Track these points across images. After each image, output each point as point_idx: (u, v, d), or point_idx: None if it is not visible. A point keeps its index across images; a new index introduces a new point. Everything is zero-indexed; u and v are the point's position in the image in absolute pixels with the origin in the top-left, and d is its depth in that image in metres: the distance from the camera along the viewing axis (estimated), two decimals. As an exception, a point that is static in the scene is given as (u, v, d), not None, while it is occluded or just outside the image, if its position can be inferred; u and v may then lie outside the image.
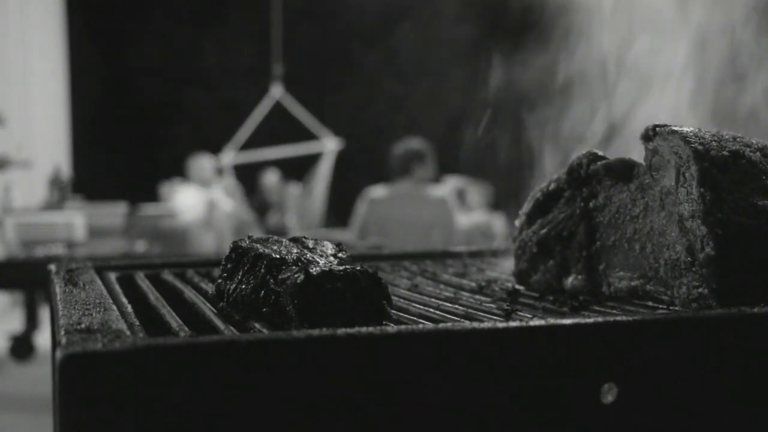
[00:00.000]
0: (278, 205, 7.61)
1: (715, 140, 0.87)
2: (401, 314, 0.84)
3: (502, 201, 6.63)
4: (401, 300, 0.94)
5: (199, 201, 5.43)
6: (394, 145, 5.01)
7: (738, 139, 0.89)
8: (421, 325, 0.72)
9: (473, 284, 1.06)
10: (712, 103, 1.20)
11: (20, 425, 3.66)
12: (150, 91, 8.81)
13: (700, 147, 0.85)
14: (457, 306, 0.91)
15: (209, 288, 0.95)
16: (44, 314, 4.86)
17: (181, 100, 8.89)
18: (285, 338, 0.64)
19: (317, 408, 0.63)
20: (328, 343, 0.64)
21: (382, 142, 5.98)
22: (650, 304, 0.91)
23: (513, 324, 0.69)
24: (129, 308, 0.83)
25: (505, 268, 1.22)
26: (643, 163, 0.94)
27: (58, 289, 0.91)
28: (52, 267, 1.07)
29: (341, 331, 0.65)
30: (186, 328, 0.75)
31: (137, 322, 0.76)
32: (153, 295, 0.94)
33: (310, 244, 0.88)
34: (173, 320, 0.79)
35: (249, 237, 0.89)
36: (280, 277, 0.78)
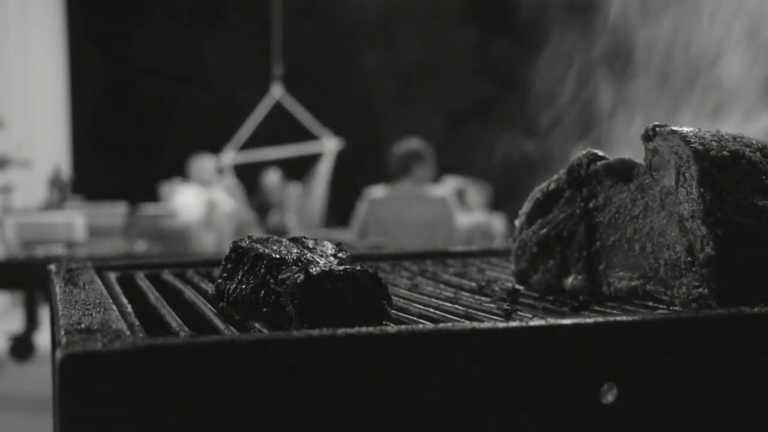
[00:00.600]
0: (278, 205, 7.61)
1: (715, 140, 0.87)
2: (401, 314, 0.84)
3: (502, 201, 6.63)
4: (401, 300, 0.94)
5: (200, 201, 5.44)
6: (394, 145, 5.01)
7: (738, 139, 0.89)
8: (421, 325, 0.72)
9: (473, 284, 1.06)
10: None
11: (20, 425, 3.66)
12: (150, 91, 8.81)
13: (700, 147, 0.86)
14: (457, 306, 0.91)
15: (209, 288, 0.95)
16: (44, 314, 4.86)
17: (181, 100, 8.89)
18: (285, 338, 0.64)
19: (317, 408, 0.63)
20: (328, 343, 0.64)
21: (382, 142, 5.98)
22: (650, 304, 0.91)
23: (513, 324, 0.69)
24: (129, 308, 0.83)
25: (505, 268, 1.22)
26: (643, 163, 0.94)
27: (58, 289, 0.91)
28: (52, 267, 1.07)
29: (341, 331, 0.65)
30: (186, 328, 0.76)
31: (137, 322, 0.76)
32: (153, 295, 0.94)
33: (310, 244, 0.88)
34: (173, 320, 0.79)
35: (249, 237, 0.89)
36: (280, 277, 0.78)
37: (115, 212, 4.67)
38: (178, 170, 6.89)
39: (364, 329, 0.66)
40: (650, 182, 0.92)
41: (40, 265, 3.47)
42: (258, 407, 0.62)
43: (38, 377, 4.19)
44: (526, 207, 1.06)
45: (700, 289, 0.84)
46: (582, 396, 0.69)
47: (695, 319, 0.75)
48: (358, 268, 0.76)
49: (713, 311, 0.80)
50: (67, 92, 8.47)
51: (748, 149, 0.87)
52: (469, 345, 0.67)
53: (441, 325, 0.69)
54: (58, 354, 0.59)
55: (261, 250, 0.83)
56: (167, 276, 1.11)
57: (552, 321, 0.70)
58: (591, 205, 0.99)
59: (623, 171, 0.96)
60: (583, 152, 1.01)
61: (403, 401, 0.65)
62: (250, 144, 7.71)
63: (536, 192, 1.06)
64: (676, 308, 0.87)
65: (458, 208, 5.18)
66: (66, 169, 7.07)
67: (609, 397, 0.70)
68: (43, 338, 4.87)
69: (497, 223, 6.15)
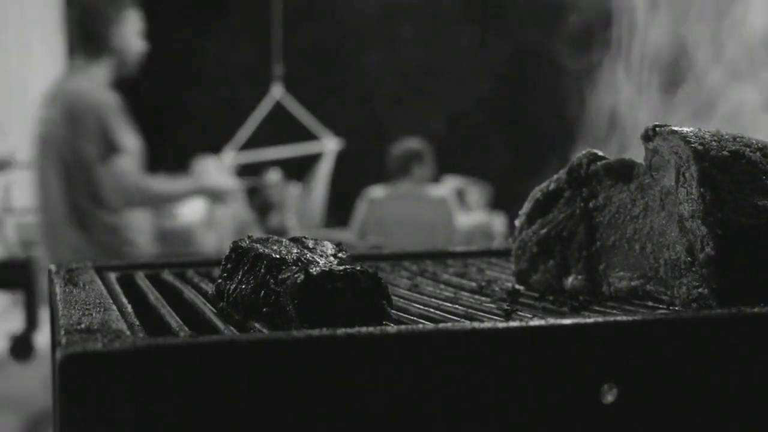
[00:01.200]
0: (279, 205, 7.61)
1: (715, 140, 0.87)
2: (401, 314, 0.84)
3: (502, 201, 6.63)
4: (401, 300, 0.94)
5: (201, 201, 5.43)
6: (394, 145, 5.01)
7: (738, 139, 0.89)
8: (421, 325, 0.72)
9: (473, 284, 1.06)
10: None
11: (20, 425, 3.66)
12: (150, 91, 8.80)
13: (700, 147, 0.86)
14: (457, 306, 0.91)
15: (209, 288, 0.95)
16: (44, 314, 4.86)
17: (181, 100, 8.89)
18: (285, 338, 0.64)
19: (317, 408, 0.63)
20: (328, 343, 0.64)
21: (382, 142, 5.98)
22: (650, 304, 0.91)
23: (513, 324, 0.69)
24: (129, 308, 0.83)
25: (505, 268, 1.22)
26: (643, 163, 0.94)
27: (58, 289, 0.91)
28: (52, 267, 1.07)
29: (341, 331, 0.65)
30: (186, 328, 0.76)
31: (137, 322, 0.76)
32: (153, 295, 0.95)
33: (310, 244, 0.88)
34: (173, 320, 0.79)
35: (249, 237, 0.89)
36: (280, 277, 0.78)
37: (115, 212, 4.66)
38: (179, 170, 6.88)
39: (364, 329, 0.66)
40: (650, 182, 0.92)
41: (40, 265, 3.48)
42: (258, 407, 0.62)
43: (38, 377, 4.19)
44: (526, 207, 1.07)
45: (700, 289, 0.84)
46: (582, 396, 0.69)
47: (695, 319, 0.75)
48: (358, 268, 0.76)
49: (713, 311, 0.80)
50: (67, 92, 8.46)
51: (748, 149, 0.87)
52: (469, 345, 0.67)
53: (441, 325, 0.69)
54: (58, 354, 0.59)
55: (261, 250, 0.83)
56: (167, 276, 1.11)
57: (552, 321, 0.70)
58: (591, 205, 0.99)
59: (623, 171, 0.96)
60: (583, 152, 1.01)
61: (403, 401, 0.65)
62: (250, 144, 7.71)
63: (536, 192, 1.06)
64: (676, 308, 0.87)
65: (458, 208, 5.18)
66: (66, 169, 7.06)
67: (609, 397, 0.70)
68: (43, 338, 4.86)
69: (497, 223, 6.15)
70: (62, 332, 0.66)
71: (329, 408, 0.64)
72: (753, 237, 0.82)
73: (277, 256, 0.81)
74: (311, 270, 0.75)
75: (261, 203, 7.55)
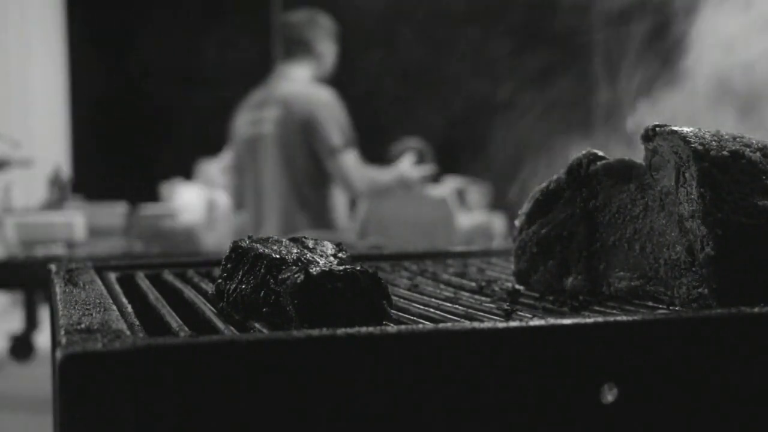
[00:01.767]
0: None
1: (715, 140, 0.87)
2: (401, 314, 0.84)
3: (502, 201, 6.62)
4: (401, 300, 0.94)
5: (202, 200, 5.42)
6: (393, 145, 5.01)
7: (738, 139, 0.89)
8: (421, 325, 0.72)
9: (473, 284, 1.06)
10: None
11: (20, 425, 3.66)
12: (150, 91, 8.80)
13: (700, 147, 0.86)
14: (457, 306, 0.91)
15: (209, 288, 0.95)
16: (44, 314, 4.86)
17: (181, 100, 8.89)
18: (285, 338, 0.64)
19: (317, 408, 0.63)
20: (328, 343, 0.64)
21: (382, 142, 5.98)
22: (650, 304, 0.91)
23: (513, 324, 0.69)
24: (129, 308, 0.83)
25: (505, 268, 1.22)
26: (643, 163, 0.94)
27: (58, 289, 0.91)
28: (52, 267, 1.07)
29: (341, 331, 0.65)
30: (186, 328, 0.76)
31: (137, 322, 0.76)
32: (153, 295, 0.95)
33: (310, 244, 0.88)
34: (173, 320, 0.79)
35: (249, 237, 0.89)
36: (280, 277, 0.78)
37: (115, 212, 4.66)
38: (178, 170, 6.88)
39: (364, 329, 0.66)
40: (650, 182, 0.92)
41: (40, 265, 3.47)
42: (258, 407, 0.62)
43: (38, 377, 4.19)
44: (526, 207, 1.07)
45: (700, 289, 0.84)
46: (582, 396, 0.69)
47: (695, 319, 0.74)
48: (358, 268, 0.76)
49: (713, 311, 0.80)
50: (67, 92, 8.47)
51: (748, 149, 0.87)
52: (469, 345, 0.67)
53: (441, 325, 0.69)
54: (58, 354, 0.59)
55: (261, 250, 0.83)
56: (167, 276, 1.11)
57: (552, 321, 0.70)
58: (591, 205, 0.99)
59: (623, 171, 0.96)
60: (583, 152, 1.01)
61: (402, 401, 0.65)
62: (250, 144, 7.70)
63: (536, 192, 1.06)
64: (676, 308, 0.87)
65: (458, 208, 5.18)
66: (66, 169, 7.08)
67: (609, 397, 0.70)
68: (43, 338, 4.86)
69: (497, 223, 6.15)
70: (62, 332, 0.66)
71: (329, 408, 0.64)
72: (753, 237, 0.82)
73: (277, 256, 0.81)
74: (311, 270, 0.75)
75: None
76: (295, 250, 0.84)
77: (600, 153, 1.00)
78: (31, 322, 4.82)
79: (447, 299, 0.96)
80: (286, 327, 0.75)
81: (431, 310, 0.88)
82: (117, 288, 0.98)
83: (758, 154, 0.87)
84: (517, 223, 1.08)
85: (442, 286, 1.07)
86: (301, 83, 3.30)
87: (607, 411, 0.70)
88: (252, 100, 3.42)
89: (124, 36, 8.86)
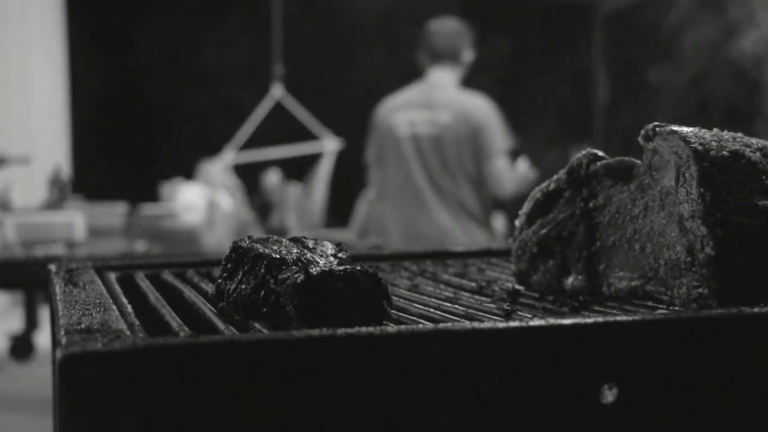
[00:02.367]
0: (279, 205, 7.61)
1: (715, 140, 0.87)
2: (401, 314, 0.84)
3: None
4: (401, 300, 0.94)
5: (203, 200, 5.42)
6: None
7: (738, 139, 0.89)
8: (421, 325, 0.72)
9: (473, 284, 1.06)
10: None
11: (20, 425, 3.66)
12: (150, 91, 8.81)
13: (700, 147, 0.86)
14: (457, 306, 0.91)
15: (209, 288, 0.95)
16: (44, 314, 4.86)
17: (181, 100, 8.89)
18: (285, 338, 0.64)
19: (317, 408, 0.63)
20: (328, 343, 0.64)
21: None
22: (650, 304, 0.91)
23: (513, 324, 0.69)
24: (129, 308, 0.83)
25: (505, 268, 1.22)
26: (643, 163, 0.94)
27: (58, 289, 0.91)
28: (52, 267, 1.07)
29: (341, 331, 0.65)
30: (186, 328, 0.76)
31: (137, 322, 0.76)
32: (153, 295, 0.95)
33: (310, 244, 0.88)
34: (173, 320, 0.79)
35: (249, 237, 0.89)
36: (280, 277, 0.78)
37: (115, 212, 4.66)
38: (178, 170, 6.88)
39: (364, 329, 0.66)
40: (650, 182, 0.92)
41: (40, 265, 3.47)
42: (258, 407, 0.62)
43: (38, 377, 4.19)
44: (526, 207, 1.07)
45: (700, 289, 0.84)
46: (582, 396, 0.69)
47: (695, 319, 0.75)
48: (358, 268, 0.76)
49: (713, 311, 0.80)
50: (67, 92, 8.47)
51: (748, 149, 0.87)
52: (469, 345, 0.67)
53: (441, 325, 0.69)
54: (58, 354, 0.59)
55: (261, 250, 0.83)
56: (167, 276, 1.11)
57: (552, 321, 0.70)
58: (591, 205, 1.00)
59: (623, 171, 0.96)
60: (583, 152, 1.01)
61: (402, 401, 0.65)
62: (250, 144, 7.71)
63: (536, 192, 1.06)
64: (676, 308, 0.87)
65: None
66: (66, 169, 7.07)
67: (609, 397, 0.70)
68: (43, 338, 4.86)
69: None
70: (62, 332, 0.66)
71: (329, 408, 0.64)
72: (753, 237, 0.82)
73: (277, 256, 0.81)
74: (311, 270, 0.75)
75: (261, 203, 7.55)
76: (295, 250, 0.84)
77: (600, 153, 1.00)
78: (31, 322, 4.82)
79: (447, 299, 0.96)
80: (286, 327, 0.75)
81: (431, 310, 0.88)
82: (117, 288, 0.98)
83: (758, 154, 0.87)
84: (517, 223, 1.08)
85: (442, 286, 1.07)
86: (458, 89, 3.63)
87: (607, 411, 0.70)
88: (404, 101, 3.64)
89: (124, 36, 8.86)
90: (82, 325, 0.69)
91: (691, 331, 0.73)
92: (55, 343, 0.78)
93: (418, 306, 0.90)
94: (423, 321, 0.81)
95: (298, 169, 7.89)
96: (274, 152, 7.90)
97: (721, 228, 0.82)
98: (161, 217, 4.85)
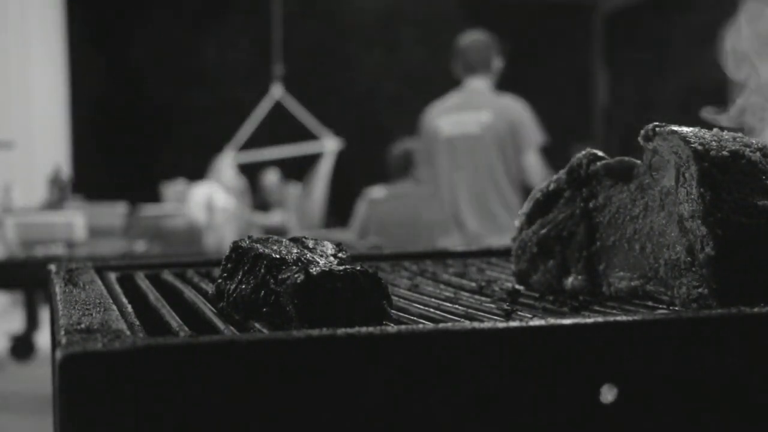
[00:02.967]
0: (278, 205, 7.61)
1: (715, 140, 0.87)
2: (401, 314, 0.84)
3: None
4: (401, 300, 0.94)
5: (219, 200, 5.40)
6: (393, 145, 5.02)
7: (738, 139, 0.89)
8: (421, 325, 0.72)
9: (473, 284, 1.06)
10: None
11: (20, 425, 3.66)
12: (150, 91, 8.81)
13: (699, 147, 0.86)
14: (457, 306, 0.91)
15: (209, 288, 0.95)
16: (44, 314, 4.86)
17: (181, 100, 8.89)
18: (285, 338, 0.64)
19: (317, 408, 0.63)
20: (328, 343, 0.64)
21: (382, 142, 5.98)
22: (650, 304, 0.91)
23: (513, 324, 0.69)
24: (129, 308, 0.83)
25: (505, 268, 1.22)
26: (643, 163, 0.94)
27: (58, 289, 0.91)
28: (52, 267, 1.07)
29: (341, 331, 0.65)
30: (186, 328, 0.76)
31: (137, 322, 0.76)
32: (153, 295, 0.95)
33: (310, 244, 0.88)
34: (173, 320, 0.79)
35: (249, 237, 0.89)
36: (280, 277, 0.78)
37: (115, 212, 4.67)
38: (179, 170, 6.88)
39: (364, 329, 0.66)
40: (650, 182, 0.92)
41: (40, 265, 3.47)
42: (258, 407, 0.62)
43: (38, 377, 4.20)
44: (526, 207, 1.07)
45: (700, 289, 0.84)
46: (582, 396, 0.69)
47: (695, 319, 0.74)
48: (358, 268, 0.76)
49: (713, 311, 0.80)
50: (67, 92, 8.47)
51: (748, 149, 0.87)
52: (469, 345, 0.67)
53: (441, 325, 0.69)
54: (58, 354, 0.59)
55: (261, 250, 0.83)
56: (167, 276, 1.11)
57: (552, 321, 0.70)
58: (591, 205, 1.00)
59: (623, 171, 0.96)
60: (583, 152, 1.01)
61: (402, 401, 0.65)
62: (250, 144, 7.72)
63: (536, 192, 1.06)
64: (676, 308, 0.87)
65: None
66: (66, 169, 7.08)
67: (609, 397, 0.70)
68: (43, 338, 4.87)
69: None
70: (62, 332, 0.66)
71: (329, 408, 0.64)
72: (753, 237, 0.82)
73: (277, 256, 0.81)
74: (311, 270, 0.75)
75: (261, 203, 7.55)
76: (295, 250, 0.84)
77: (600, 153, 1.00)
78: (32, 322, 4.82)
79: (447, 299, 0.96)
80: (286, 327, 0.75)
81: (431, 310, 0.88)
82: (117, 288, 0.98)
83: (758, 154, 0.87)
84: (517, 223, 1.08)
85: (442, 286, 1.07)
86: (494, 93, 4.09)
87: (607, 411, 0.70)
88: (447, 106, 4.08)
89: (124, 36, 8.86)
90: (82, 325, 0.69)
91: (691, 331, 0.73)
92: (55, 343, 0.78)
93: (418, 306, 0.90)
94: (423, 321, 0.81)
95: (298, 169, 7.89)
96: (273, 152, 7.90)
97: (721, 228, 0.82)
98: (161, 217, 4.85)
